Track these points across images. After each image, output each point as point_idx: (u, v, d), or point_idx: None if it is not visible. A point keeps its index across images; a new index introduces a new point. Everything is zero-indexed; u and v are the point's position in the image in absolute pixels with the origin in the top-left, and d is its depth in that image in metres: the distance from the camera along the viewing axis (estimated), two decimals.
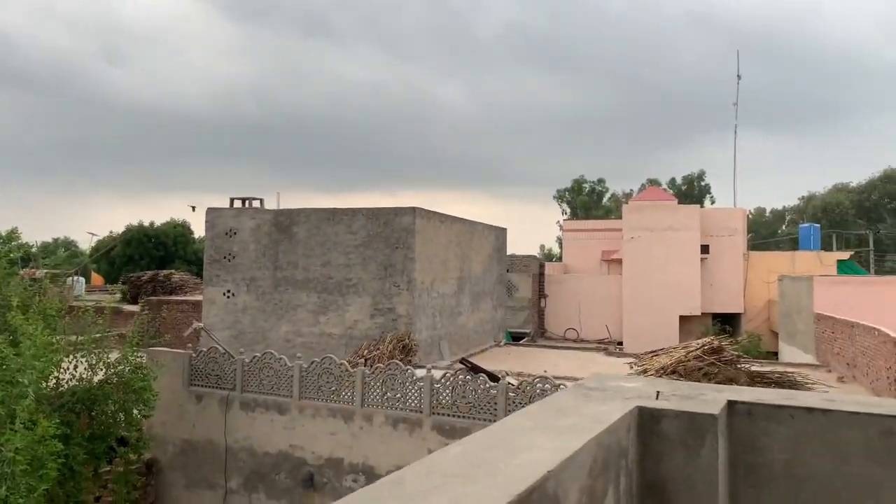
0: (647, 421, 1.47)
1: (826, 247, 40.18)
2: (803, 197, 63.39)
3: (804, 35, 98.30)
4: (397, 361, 12.86)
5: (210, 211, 21.13)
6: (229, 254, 20.81)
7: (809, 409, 1.50)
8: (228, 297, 20.78)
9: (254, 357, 13.93)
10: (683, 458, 1.42)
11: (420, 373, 12.30)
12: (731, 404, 1.56)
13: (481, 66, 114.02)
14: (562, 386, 10.81)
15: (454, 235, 22.37)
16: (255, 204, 21.64)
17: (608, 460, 1.22)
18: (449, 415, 11.65)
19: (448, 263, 21.82)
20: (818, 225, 40.21)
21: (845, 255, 34.46)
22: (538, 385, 11.28)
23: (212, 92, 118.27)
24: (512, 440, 1.10)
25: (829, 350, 19.88)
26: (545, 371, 18.69)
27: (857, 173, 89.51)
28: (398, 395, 12.20)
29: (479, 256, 24.55)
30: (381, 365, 12.68)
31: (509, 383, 11.59)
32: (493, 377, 12.18)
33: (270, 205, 22.46)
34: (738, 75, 41.20)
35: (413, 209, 19.52)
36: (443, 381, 11.88)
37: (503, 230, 27.34)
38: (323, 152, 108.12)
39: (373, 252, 19.61)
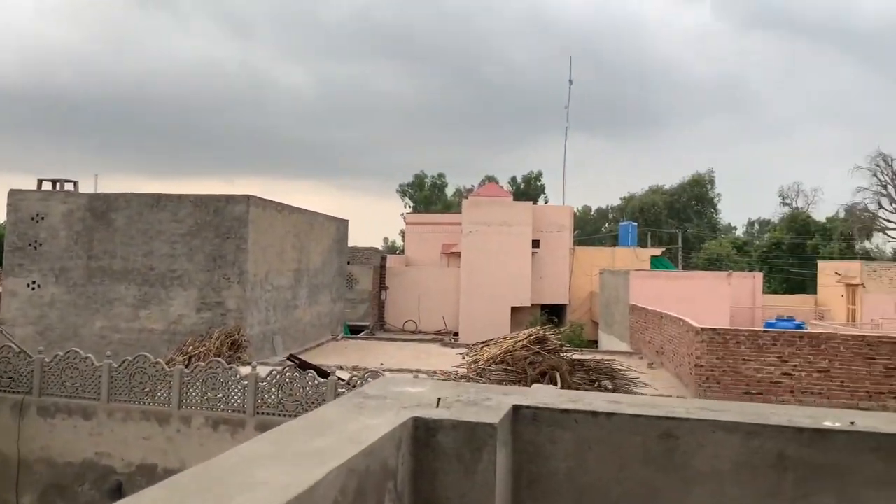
0: (422, 434, 1.30)
1: (642, 243, 43.80)
2: (624, 197, 68.67)
3: (630, 47, 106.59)
4: (219, 359, 12.11)
5: (13, 193, 18.90)
6: (35, 241, 18.68)
7: (594, 413, 1.41)
8: (34, 288, 18.65)
9: (55, 356, 12.50)
10: (459, 474, 1.28)
11: (244, 371, 11.67)
12: (516, 409, 1.45)
13: (326, 51, 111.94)
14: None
15: (292, 226, 21.62)
16: (69, 187, 19.56)
17: (365, 488, 1.03)
18: (275, 414, 11.16)
19: (285, 255, 21.05)
20: (635, 223, 43.73)
21: (658, 251, 37.78)
22: (369, 379, 11.10)
23: (21, 58, 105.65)
24: (231, 478, 0.87)
25: (641, 339, 21.60)
26: (381, 364, 18.63)
27: (671, 177, 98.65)
28: (220, 395, 11.49)
29: (318, 248, 23.95)
30: (201, 363, 11.87)
31: (339, 378, 11.32)
32: (323, 373, 11.84)
33: (87, 188, 20.43)
34: (569, 80, 43.74)
35: (247, 197, 18.59)
36: (269, 378, 11.35)
37: (345, 222, 26.90)
38: (152, 133, 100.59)
39: (201, 242, 18.45)
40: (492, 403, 1.44)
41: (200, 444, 11.54)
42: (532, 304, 31.53)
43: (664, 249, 41.34)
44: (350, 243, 28.73)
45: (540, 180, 73.26)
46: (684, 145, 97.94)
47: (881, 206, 41.90)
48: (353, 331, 28.30)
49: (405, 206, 70.97)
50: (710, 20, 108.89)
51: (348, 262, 28.66)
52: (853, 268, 29.84)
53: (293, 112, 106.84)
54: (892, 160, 41.32)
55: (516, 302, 31.05)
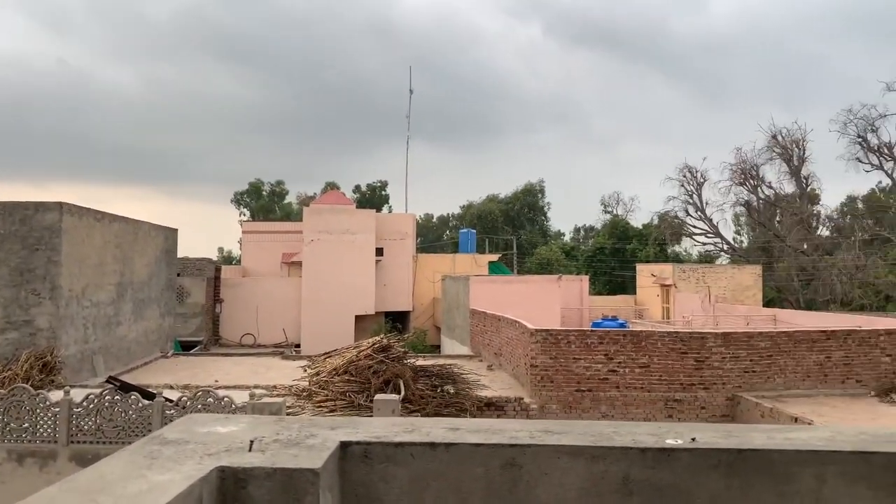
0: (230, 487, 1.08)
1: (481, 250, 45.25)
2: (464, 205, 70.71)
3: (470, 59, 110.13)
4: (24, 385, 10.72)
5: None
6: None
7: (432, 445, 1.27)
8: None
9: None
10: None
11: (56, 396, 10.42)
12: (344, 447, 1.27)
13: (154, 51, 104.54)
14: (225, 399, 10.06)
15: (113, 235, 19.82)
16: None
17: None
18: (93, 442, 10.06)
19: (105, 267, 19.24)
20: (474, 231, 45.12)
21: (495, 257, 39.20)
22: (201, 399, 10.35)
23: None
24: None
25: (481, 342, 22.20)
26: (216, 381, 17.53)
27: (507, 186, 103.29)
28: (26, 425, 10.17)
29: (144, 259, 22.16)
30: (1, 391, 10.44)
31: (167, 400, 10.44)
32: (148, 394, 10.87)
33: None
34: (410, 90, 44.21)
35: (59, 204, 16.79)
36: (85, 403, 10.21)
37: (174, 231, 25.13)
38: None
39: (4, 254, 16.43)
40: (316, 441, 1.25)
41: (2, 481, 10.14)
42: (376, 312, 31.39)
43: (501, 255, 43.00)
44: (181, 254, 26.94)
45: (385, 189, 73.48)
46: (519, 156, 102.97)
47: (688, 214, 46.51)
48: (185, 347, 26.51)
49: (241, 215, 68.12)
50: (541, 37, 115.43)
51: (178, 274, 26.83)
52: (666, 270, 32.81)
53: (118, 114, 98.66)
54: (696, 172, 46.00)
55: (360, 310, 30.75)
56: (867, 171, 41.62)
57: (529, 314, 21.34)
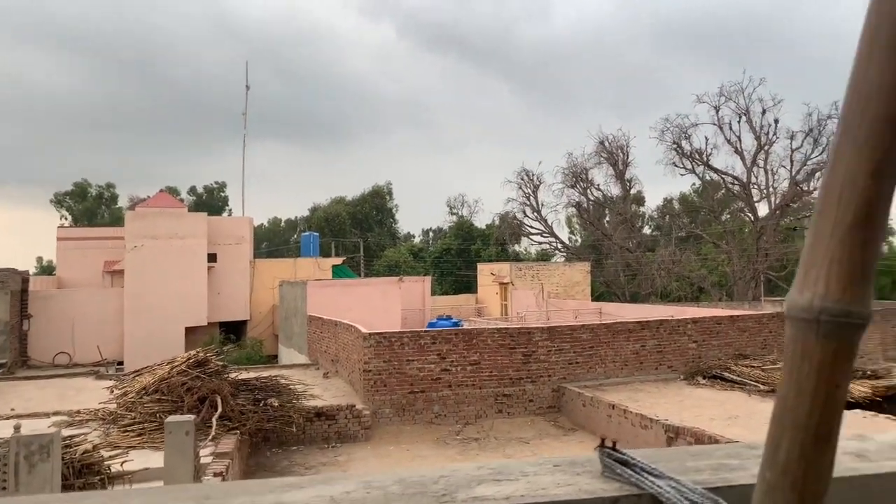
0: None
1: (327, 254, 44.38)
2: (311, 208, 69.24)
3: (316, 58, 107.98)
4: None
5: None
6: None
7: None
8: None
9: None
10: None
11: None
12: None
13: None
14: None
15: None
16: None
17: None
18: None
19: None
20: (317, 234, 44.15)
21: (339, 260, 38.54)
22: None
23: None
24: None
25: (318, 349, 21.58)
26: (12, 409, 15.55)
27: (357, 188, 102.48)
28: None
29: None
30: None
31: None
32: None
33: None
34: (246, 85, 42.41)
35: None
36: None
37: None
38: None
39: None
40: None
41: None
42: (210, 323, 29.64)
43: (345, 258, 42.41)
44: None
45: (224, 191, 70.21)
46: (371, 157, 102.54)
47: (525, 215, 48.49)
48: None
49: (62, 220, 62.14)
50: (394, 39, 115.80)
51: None
52: (504, 268, 33.90)
53: None
54: (532, 175, 48.08)
55: (191, 321, 28.88)
56: (682, 175, 45.51)
57: (370, 317, 21.09)
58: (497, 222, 50.89)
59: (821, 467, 0.75)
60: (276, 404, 13.16)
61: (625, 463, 0.91)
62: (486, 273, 35.20)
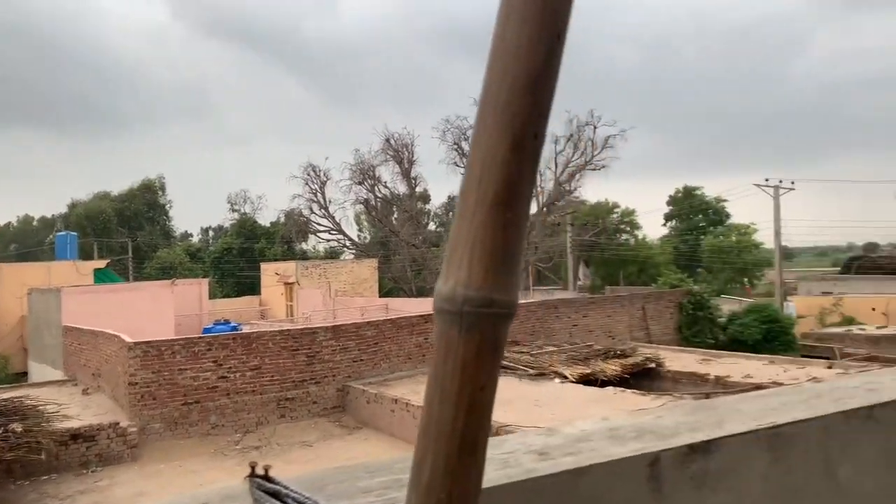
0: None
1: (89, 256, 39.90)
2: (70, 204, 61.90)
3: (78, 36, 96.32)
4: None
5: None
6: None
7: None
8: None
9: None
10: None
11: None
12: None
13: None
14: None
15: None
16: None
17: None
18: None
19: None
20: (75, 234, 39.54)
21: (102, 263, 34.82)
22: None
23: None
24: None
25: (76, 363, 19.25)
26: None
27: (122, 182, 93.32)
28: None
29: None
30: None
31: None
32: None
33: None
34: None
35: None
36: None
37: None
38: None
39: None
40: None
41: None
42: None
43: (110, 261, 38.45)
44: None
45: None
46: (144, 149, 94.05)
47: (312, 212, 47.62)
48: None
49: None
50: (168, 20, 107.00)
51: None
52: (290, 267, 32.98)
53: None
54: (320, 171, 47.39)
55: None
56: (462, 174, 47.81)
57: (139, 325, 19.19)
58: (283, 220, 49.42)
59: (467, 482, 0.66)
60: (20, 429, 11.45)
61: (276, 495, 0.76)
62: (271, 273, 33.99)
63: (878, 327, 28.20)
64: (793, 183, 36.55)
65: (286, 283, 32.43)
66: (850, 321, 31.02)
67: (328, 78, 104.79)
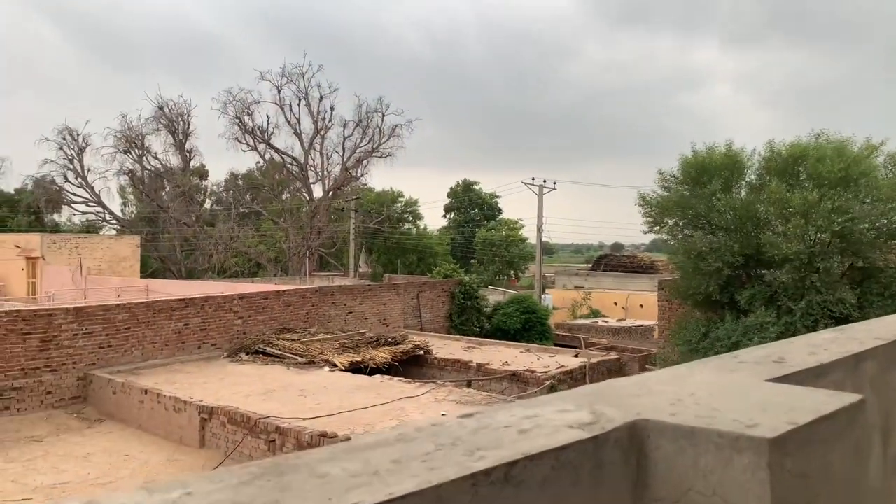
0: None
1: None
2: None
3: None
4: None
5: None
6: None
7: None
8: None
9: None
10: None
11: None
12: None
13: None
14: None
15: None
16: None
17: None
18: None
19: None
20: None
21: None
22: None
23: None
24: None
25: None
26: None
27: None
28: None
29: None
30: None
31: None
32: None
33: None
34: None
35: None
36: None
37: None
38: None
39: None
40: None
41: None
42: None
43: None
44: None
45: None
46: None
47: (67, 180, 42.36)
48: None
49: None
50: None
51: None
52: (33, 240, 29.00)
53: None
54: (78, 135, 42.22)
55: None
56: (244, 151, 45.53)
57: None
58: (30, 187, 43.33)
59: None
60: None
61: None
62: (10, 245, 29.59)
63: (618, 320, 31.99)
64: (555, 183, 40.05)
65: (29, 258, 28.47)
66: (596, 314, 34.84)
67: (96, 32, 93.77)
